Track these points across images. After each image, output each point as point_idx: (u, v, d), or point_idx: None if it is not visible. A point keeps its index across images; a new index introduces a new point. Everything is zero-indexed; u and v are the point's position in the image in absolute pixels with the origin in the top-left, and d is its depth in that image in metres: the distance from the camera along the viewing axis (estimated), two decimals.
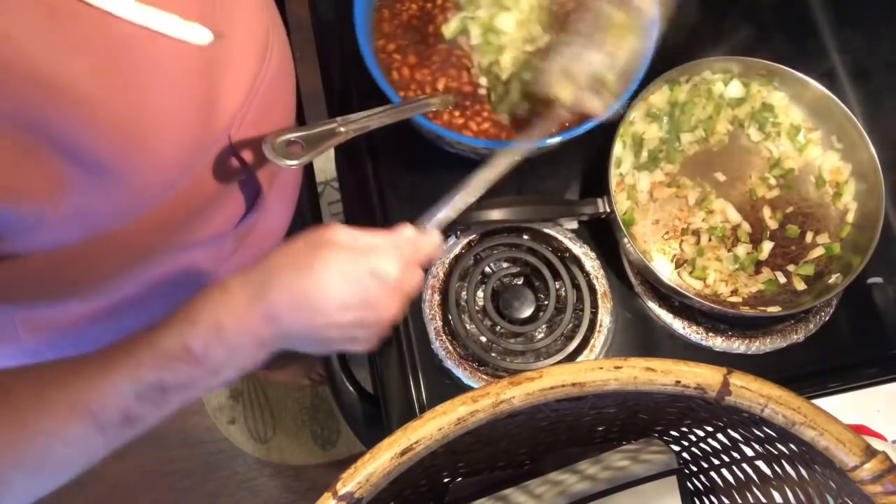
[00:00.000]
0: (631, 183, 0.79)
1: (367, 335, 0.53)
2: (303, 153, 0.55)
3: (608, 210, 0.74)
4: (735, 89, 0.82)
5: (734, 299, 0.77)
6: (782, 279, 0.78)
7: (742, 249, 0.78)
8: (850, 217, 0.79)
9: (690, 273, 0.77)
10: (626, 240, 0.74)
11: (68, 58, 0.36)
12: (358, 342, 0.54)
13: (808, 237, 0.80)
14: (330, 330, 0.50)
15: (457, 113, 0.75)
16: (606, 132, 0.78)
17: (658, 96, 0.81)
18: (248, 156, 0.57)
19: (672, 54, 0.85)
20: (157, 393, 0.46)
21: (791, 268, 0.78)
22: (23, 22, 0.34)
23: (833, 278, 0.76)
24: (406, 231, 0.54)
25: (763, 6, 0.92)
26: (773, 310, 0.75)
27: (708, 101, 0.82)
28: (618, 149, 0.77)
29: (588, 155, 0.83)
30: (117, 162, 0.41)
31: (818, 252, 0.78)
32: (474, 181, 0.59)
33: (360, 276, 0.49)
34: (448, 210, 0.58)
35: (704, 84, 0.82)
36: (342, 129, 0.60)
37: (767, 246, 0.79)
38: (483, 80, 0.75)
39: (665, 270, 0.78)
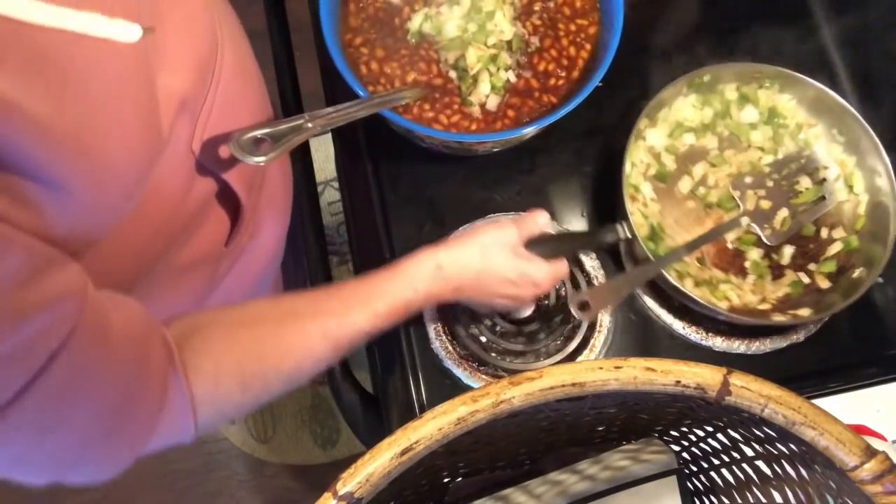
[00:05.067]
0: (643, 201, 0.78)
1: (520, 303, 0.71)
2: (270, 149, 0.55)
3: (629, 235, 0.72)
4: (751, 114, 0.81)
5: (764, 306, 0.76)
6: (806, 279, 0.77)
7: (755, 254, 0.78)
8: (862, 208, 0.79)
9: (712, 292, 0.76)
10: (665, 273, 0.71)
11: None
12: (513, 306, 0.71)
13: (824, 233, 0.79)
14: (494, 298, 0.67)
15: (427, 106, 0.74)
16: (618, 134, 0.78)
17: (662, 112, 0.80)
18: (217, 166, 0.57)
19: (673, 67, 0.85)
20: (369, 335, 0.58)
21: (812, 266, 0.78)
22: None
23: (857, 272, 0.75)
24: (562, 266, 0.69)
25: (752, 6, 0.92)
26: (804, 312, 0.74)
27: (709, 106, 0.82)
28: (627, 168, 0.75)
29: (599, 162, 0.84)
30: (67, 176, 0.39)
31: (837, 247, 0.78)
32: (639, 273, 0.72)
33: (518, 274, 0.65)
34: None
35: (715, 95, 0.82)
36: (309, 124, 0.59)
37: (788, 250, 0.78)
38: (452, 74, 0.75)
39: (687, 285, 0.75)
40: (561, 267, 0.68)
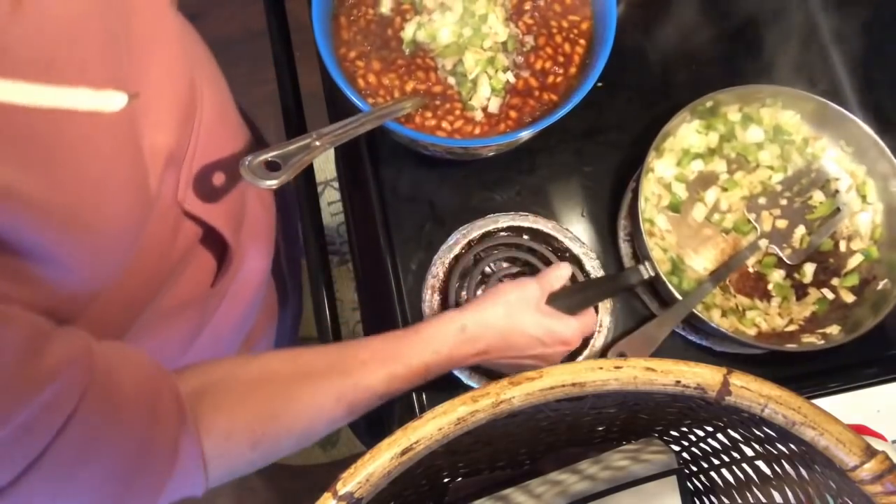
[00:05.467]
0: (660, 234, 0.78)
1: (549, 364, 0.66)
2: (280, 172, 0.55)
3: (652, 275, 0.72)
4: (756, 134, 0.81)
5: (791, 328, 0.75)
6: (830, 295, 0.77)
7: (777, 275, 0.77)
8: (878, 217, 0.79)
9: (739, 320, 0.76)
10: (695, 311, 0.71)
11: None
12: (538, 366, 0.67)
13: (843, 246, 0.79)
14: (522, 360, 0.65)
15: (428, 114, 0.74)
16: (619, 134, 0.77)
17: (668, 142, 0.80)
18: (201, 210, 0.57)
19: (673, 66, 0.85)
20: (385, 398, 0.57)
21: (835, 281, 0.78)
22: None
23: (882, 284, 0.75)
24: (587, 317, 0.69)
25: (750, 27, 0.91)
26: (833, 330, 0.73)
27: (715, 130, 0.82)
28: (641, 204, 0.74)
29: (599, 163, 0.84)
30: (64, 251, 0.39)
31: (857, 259, 0.78)
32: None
33: (545, 332, 0.64)
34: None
35: (718, 120, 0.82)
36: (317, 142, 0.59)
37: (809, 268, 0.78)
38: (451, 80, 0.75)
39: (714, 317, 0.75)
40: (588, 321, 0.68)
